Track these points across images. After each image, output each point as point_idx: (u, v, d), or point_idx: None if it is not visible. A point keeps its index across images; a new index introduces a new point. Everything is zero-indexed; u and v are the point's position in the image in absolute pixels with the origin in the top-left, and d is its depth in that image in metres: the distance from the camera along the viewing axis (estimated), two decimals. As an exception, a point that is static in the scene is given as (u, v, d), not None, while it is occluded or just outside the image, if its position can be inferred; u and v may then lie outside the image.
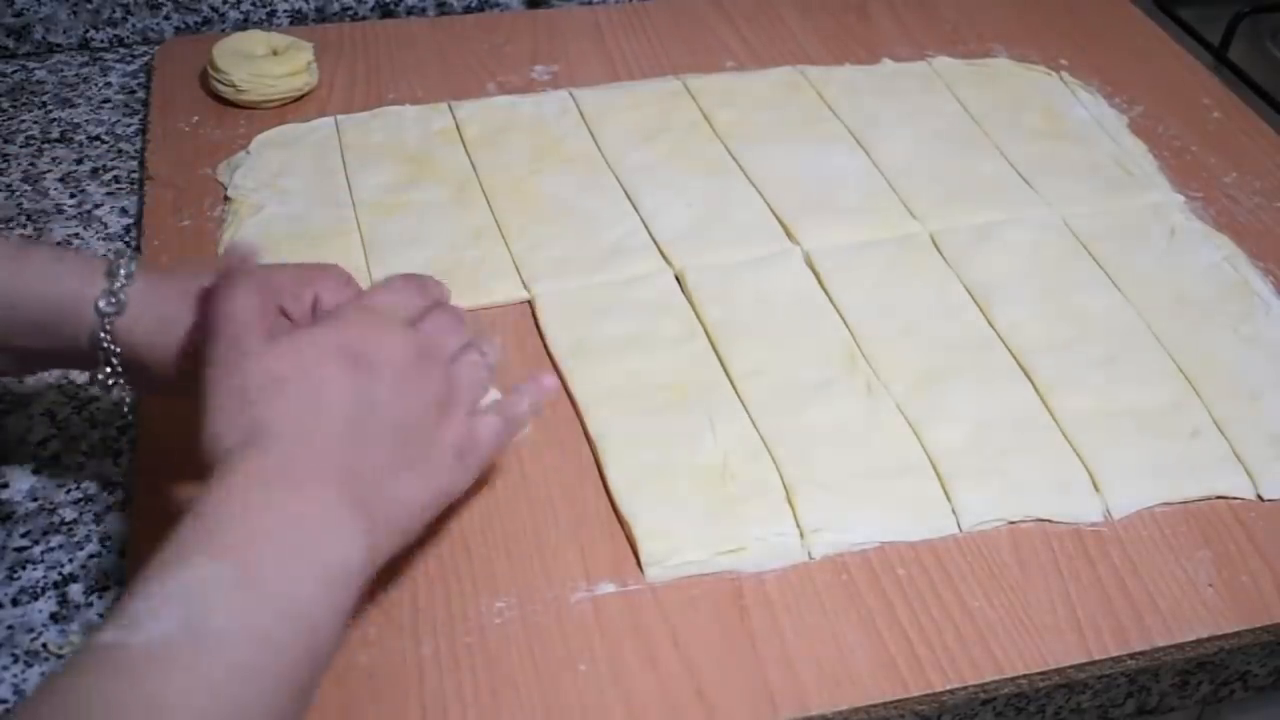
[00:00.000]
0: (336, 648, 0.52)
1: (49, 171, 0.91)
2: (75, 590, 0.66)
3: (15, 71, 1.01)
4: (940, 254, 0.86)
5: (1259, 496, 0.73)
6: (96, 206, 0.89)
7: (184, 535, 0.49)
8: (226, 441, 0.53)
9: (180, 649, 0.46)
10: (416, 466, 0.57)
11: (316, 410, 0.54)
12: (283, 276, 0.63)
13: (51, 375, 0.76)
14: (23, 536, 0.68)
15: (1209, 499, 0.72)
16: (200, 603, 0.47)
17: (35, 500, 0.70)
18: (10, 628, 0.64)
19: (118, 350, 0.62)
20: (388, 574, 0.62)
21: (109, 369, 0.62)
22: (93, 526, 0.69)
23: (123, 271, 0.62)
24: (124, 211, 0.88)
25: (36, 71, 1.01)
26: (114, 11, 1.04)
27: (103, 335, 0.62)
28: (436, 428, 0.59)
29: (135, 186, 0.91)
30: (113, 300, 0.62)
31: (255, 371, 0.54)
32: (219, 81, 0.95)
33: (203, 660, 0.46)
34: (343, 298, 0.63)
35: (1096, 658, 0.64)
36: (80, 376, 0.76)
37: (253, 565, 0.49)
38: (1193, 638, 0.66)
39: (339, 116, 0.95)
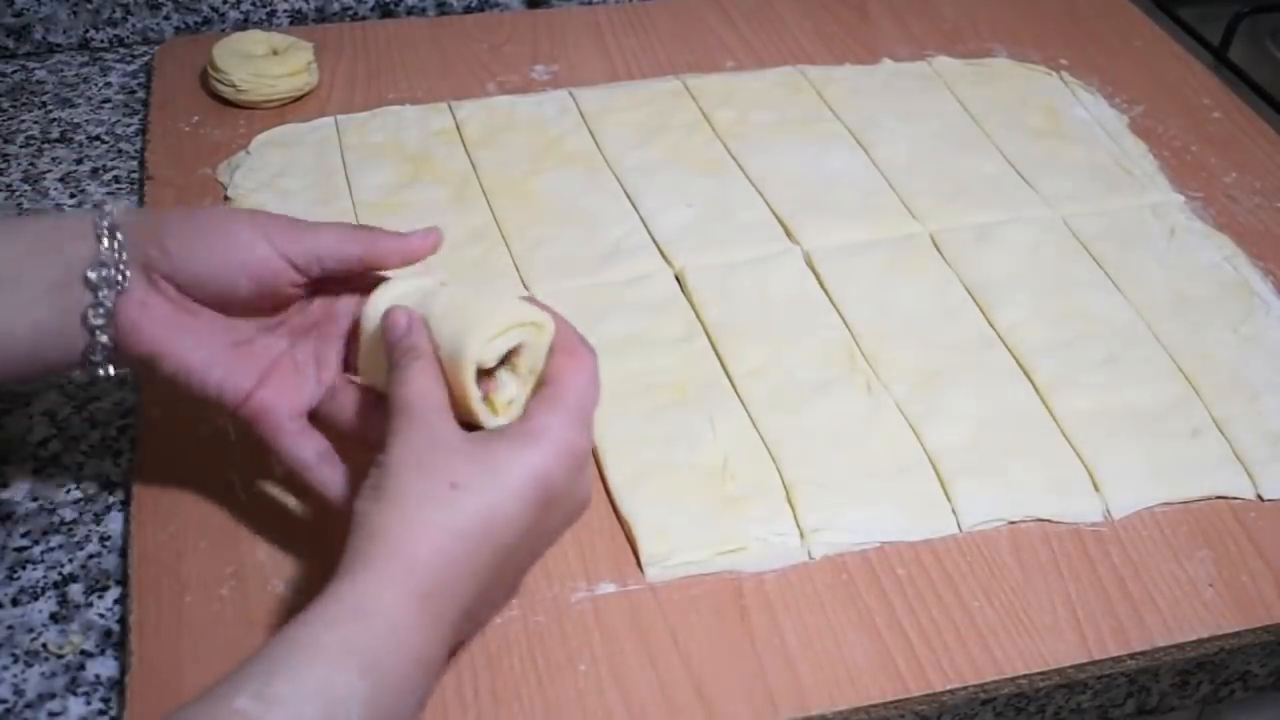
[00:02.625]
0: None
1: (49, 171, 0.91)
2: (75, 590, 0.66)
3: (15, 71, 1.01)
4: (940, 254, 0.86)
5: (1259, 496, 0.73)
6: (96, 206, 0.89)
7: (338, 625, 0.50)
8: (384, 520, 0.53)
9: None
10: (518, 585, 0.59)
11: (489, 545, 0.54)
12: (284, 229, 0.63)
13: (54, 377, 0.76)
14: (23, 536, 0.68)
15: (1209, 499, 0.72)
16: (335, 712, 0.48)
17: (35, 500, 0.70)
18: (10, 628, 0.64)
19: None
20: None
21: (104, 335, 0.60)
22: (93, 526, 0.69)
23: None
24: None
25: (36, 71, 1.01)
26: (114, 11, 1.04)
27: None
28: (549, 546, 0.59)
29: (135, 186, 0.91)
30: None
31: (439, 468, 0.54)
32: (219, 81, 0.95)
33: None
34: (347, 254, 0.62)
35: (1096, 658, 0.64)
36: (81, 376, 0.76)
37: (382, 694, 0.50)
38: (1193, 638, 0.66)
39: (339, 116, 0.95)
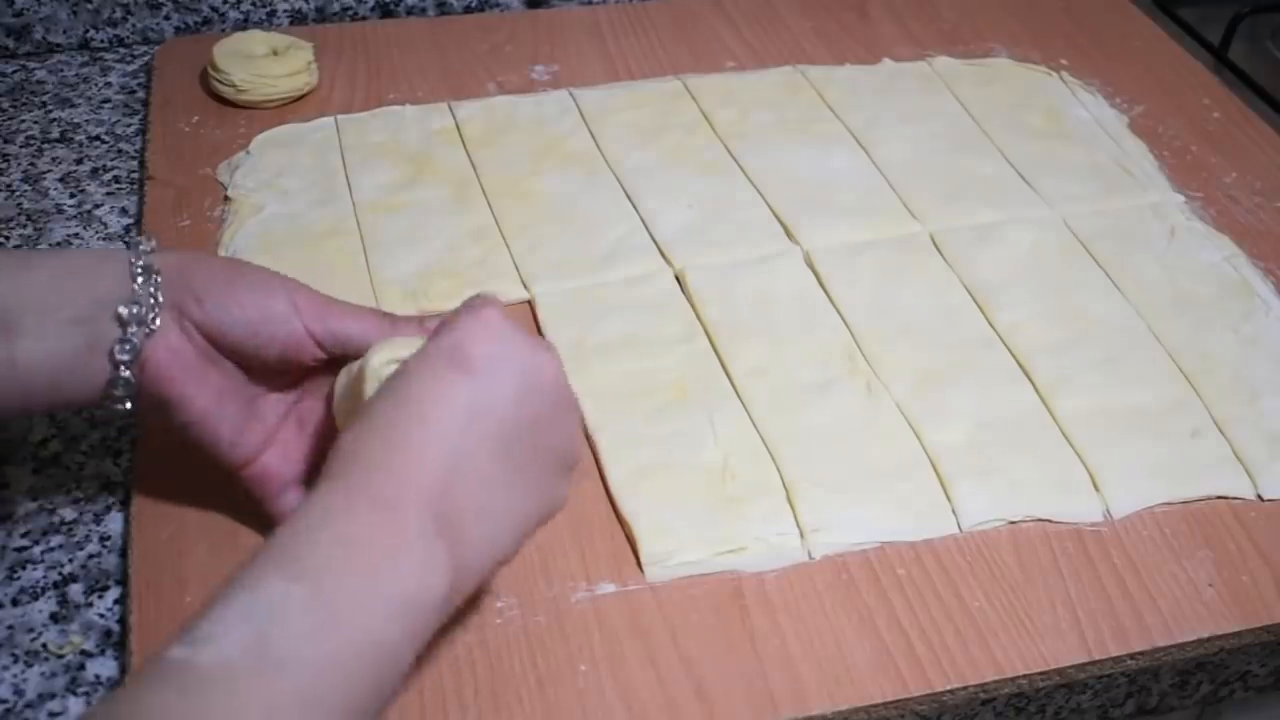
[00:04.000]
0: (404, 679, 0.50)
1: (49, 171, 0.91)
2: (75, 590, 0.66)
3: (15, 71, 1.01)
4: (940, 254, 0.86)
5: (1259, 496, 0.73)
6: (96, 206, 0.89)
7: (260, 554, 0.48)
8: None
9: (246, 671, 0.44)
10: (519, 480, 0.54)
11: (418, 420, 0.52)
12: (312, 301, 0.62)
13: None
14: (23, 536, 0.68)
15: (1209, 499, 0.72)
16: (269, 624, 0.45)
17: (35, 500, 0.70)
18: (10, 628, 0.64)
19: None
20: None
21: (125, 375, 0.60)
22: (93, 526, 0.69)
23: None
24: (124, 211, 0.88)
25: (36, 71, 1.01)
26: (114, 11, 1.04)
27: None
28: (545, 434, 0.55)
29: (135, 186, 0.91)
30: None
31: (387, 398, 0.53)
32: (219, 81, 0.95)
33: (268, 684, 0.44)
34: (370, 340, 0.61)
35: (1096, 658, 0.64)
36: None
37: (325, 590, 0.47)
38: (1193, 638, 0.66)
39: (339, 116, 0.95)
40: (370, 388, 0.57)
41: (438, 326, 0.56)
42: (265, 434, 0.63)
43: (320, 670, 0.45)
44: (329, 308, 0.62)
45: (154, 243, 0.62)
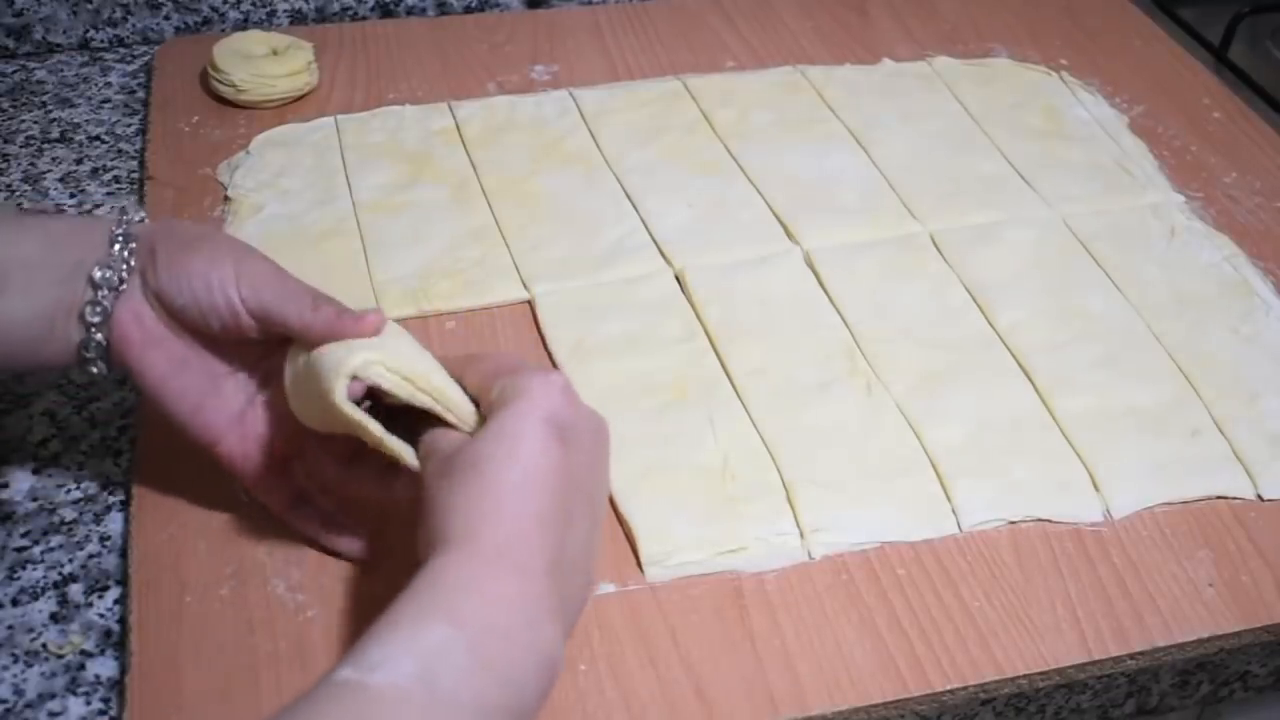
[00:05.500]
0: None
1: (49, 171, 0.91)
2: (75, 590, 0.66)
3: (15, 71, 1.01)
4: (940, 254, 0.86)
5: (1259, 496, 0.73)
6: (96, 206, 0.89)
7: (421, 596, 0.50)
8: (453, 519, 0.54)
9: (414, 698, 0.47)
10: (596, 528, 0.58)
11: (534, 490, 0.54)
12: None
13: (51, 375, 0.76)
14: (23, 536, 0.68)
15: (1209, 499, 0.72)
16: (435, 662, 0.48)
17: (35, 500, 0.70)
18: (10, 628, 0.64)
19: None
20: (388, 575, 0.62)
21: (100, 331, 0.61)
22: (93, 526, 0.69)
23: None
24: (124, 212, 0.88)
25: (36, 71, 1.01)
26: (114, 11, 1.04)
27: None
28: (605, 481, 0.60)
29: (135, 186, 0.91)
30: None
31: (475, 449, 0.55)
32: (219, 81, 0.95)
33: (433, 713, 0.47)
34: (304, 327, 0.61)
35: (1096, 658, 0.64)
36: (78, 375, 0.76)
37: (482, 640, 0.50)
38: (1193, 638, 0.66)
39: (339, 116, 0.95)
40: (340, 385, 0.57)
41: (497, 381, 0.57)
42: (229, 414, 0.63)
43: (474, 711, 0.48)
44: (269, 281, 0.61)
45: (143, 214, 0.63)
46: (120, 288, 0.61)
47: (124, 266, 0.61)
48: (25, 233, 0.62)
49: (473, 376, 0.59)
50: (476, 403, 0.59)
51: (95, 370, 0.62)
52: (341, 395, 0.57)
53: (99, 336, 0.61)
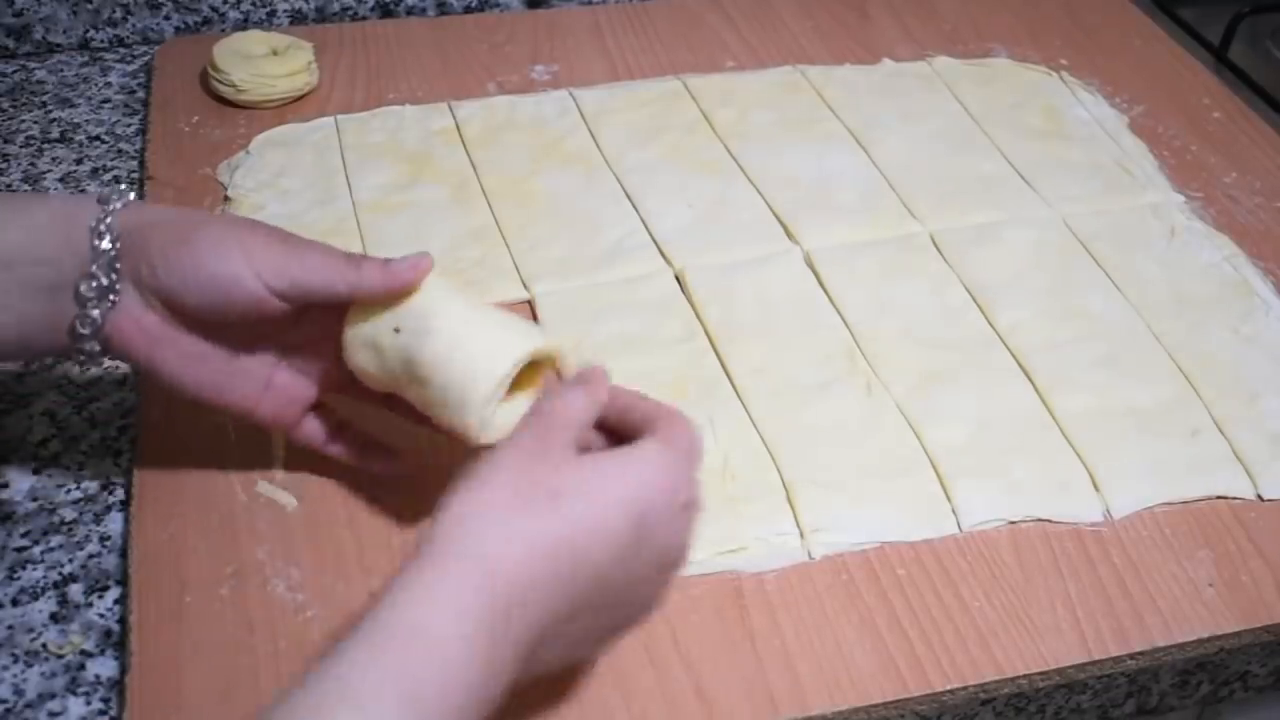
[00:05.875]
0: None
1: (49, 171, 0.91)
2: (75, 590, 0.66)
3: (15, 71, 1.01)
4: (940, 254, 0.86)
5: (1259, 496, 0.73)
6: (101, 201, 0.88)
7: (385, 638, 0.47)
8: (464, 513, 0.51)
9: None
10: (596, 640, 0.57)
11: (569, 557, 0.51)
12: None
13: (51, 375, 0.76)
14: (23, 536, 0.68)
15: (1209, 499, 0.72)
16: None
17: (35, 500, 0.70)
18: (10, 628, 0.64)
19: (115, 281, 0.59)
20: (388, 575, 0.62)
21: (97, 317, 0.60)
22: (93, 526, 0.69)
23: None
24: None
25: (36, 71, 1.01)
26: (114, 11, 1.04)
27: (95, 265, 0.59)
28: (641, 611, 0.57)
29: (135, 186, 0.91)
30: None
31: (544, 477, 0.52)
32: (219, 81, 0.95)
33: None
34: (333, 289, 0.60)
35: (1096, 658, 0.64)
36: (81, 376, 0.76)
37: (422, 696, 0.47)
38: (1193, 638, 0.66)
39: (339, 116, 0.95)
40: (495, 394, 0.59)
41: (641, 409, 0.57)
42: (257, 385, 0.63)
43: None
44: (289, 260, 0.59)
45: (130, 196, 0.61)
46: (110, 297, 0.60)
47: (111, 274, 0.59)
48: (2, 231, 0.60)
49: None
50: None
51: (94, 363, 0.62)
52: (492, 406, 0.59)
53: (91, 345, 0.60)
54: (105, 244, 0.59)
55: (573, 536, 0.51)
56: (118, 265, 0.60)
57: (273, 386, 0.64)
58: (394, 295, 0.60)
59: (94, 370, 0.74)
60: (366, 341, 0.61)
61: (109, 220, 0.60)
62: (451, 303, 0.61)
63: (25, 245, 0.60)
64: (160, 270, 0.59)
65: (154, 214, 0.61)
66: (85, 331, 0.60)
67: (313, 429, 0.66)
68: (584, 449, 0.56)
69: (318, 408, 0.66)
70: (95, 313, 0.59)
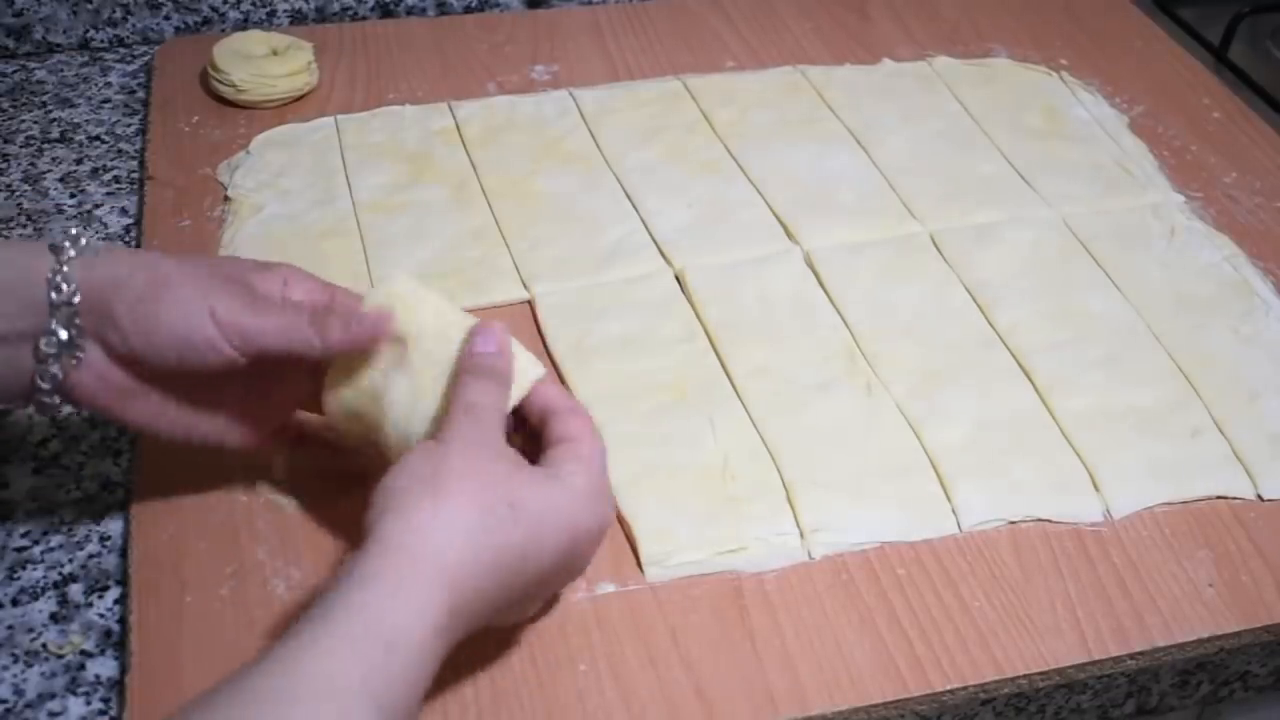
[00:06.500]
0: None
1: (49, 171, 0.91)
2: (75, 590, 0.66)
3: (15, 71, 1.01)
4: (940, 254, 0.86)
5: (1259, 496, 0.73)
6: (96, 206, 0.89)
7: (355, 646, 0.48)
8: (411, 503, 0.53)
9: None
10: (517, 610, 0.59)
11: (516, 569, 0.54)
12: (244, 266, 0.62)
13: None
14: (23, 536, 0.68)
15: (1209, 499, 0.72)
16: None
17: (35, 500, 0.70)
18: (10, 628, 0.64)
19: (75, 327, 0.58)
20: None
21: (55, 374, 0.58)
22: (93, 526, 0.69)
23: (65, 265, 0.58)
24: (124, 211, 0.88)
25: (36, 71, 1.01)
26: (114, 11, 1.04)
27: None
28: (543, 598, 0.61)
29: (135, 186, 0.91)
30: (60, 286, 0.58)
31: (501, 487, 0.54)
32: (219, 81, 0.95)
33: None
34: (311, 286, 0.62)
35: (1096, 658, 0.64)
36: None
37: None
38: (1193, 638, 0.66)
39: (339, 116, 0.95)
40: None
41: (555, 423, 0.59)
42: (227, 418, 0.63)
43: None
44: (255, 323, 0.59)
45: (82, 241, 0.59)
46: (76, 355, 0.58)
47: (71, 329, 0.58)
48: None
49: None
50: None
51: (56, 410, 0.60)
52: None
53: (53, 400, 0.59)
54: (63, 298, 0.58)
55: (524, 551, 0.54)
56: (78, 321, 0.58)
57: (243, 415, 0.64)
58: (362, 349, 0.60)
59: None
60: (345, 404, 0.62)
61: (65, 270, 0.58)
62: (422, 344, 0.61)
63: None
64: (130, 335, 0.58)
65: (112, 268, 0.59)
66: (46, 386, 0.59)
67: (281, 449, 0.66)
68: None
69: (284, 428, 0.66)
70: (55, 369, 0.58)
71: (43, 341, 0.58)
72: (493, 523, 0.53)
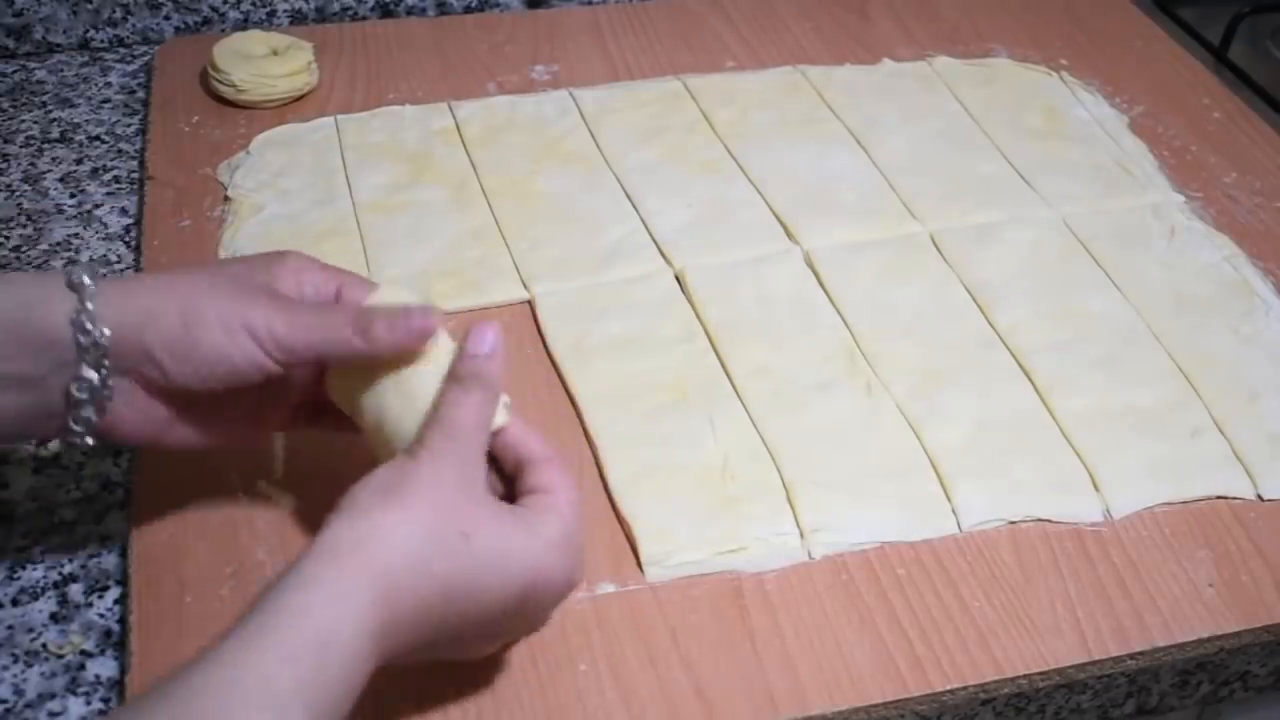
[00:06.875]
0: None
1: (49, 171, 0.91)
2: (75, 590, 0.66)
3: (15, 71, 1.01)
4: (940, 254, 0.86)
5: (1259, 496, 0.73)
6: (96, 206, 0.89)
7: (293, 649, 0.48)
8: (379, 504, 0.52)
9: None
10: (464, 646, 0.58)
11: (460, 600, 0.53)
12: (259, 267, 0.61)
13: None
14: (23, 536, 0.68)
15: (1209, 499, 0.72)
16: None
17: (35, 500, 0.70)
18: (10, 628, 0.64)
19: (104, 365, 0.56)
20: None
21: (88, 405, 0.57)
22: (93, 526, 0.69)
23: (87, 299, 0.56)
24: (124, 211, 0.88)
25: (36, 71, 1.01)
26: (114, 11, 1.04)
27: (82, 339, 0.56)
28: (498, 639, 0.59)
29: (135, 186, 0.91)
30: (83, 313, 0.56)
31: (458, 513, 0.53)
32: (219, 81, 0.95)
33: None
34: (320, 278, 0.61)
35: (1096, 658, 0.64)
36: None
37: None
38: (1193, 638, 0.66)
39: (339, 116, 0.95)
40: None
41: (531, 471, 0.57)
42: (251, 425, 0.63)
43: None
44: (292, 331, 0.57)
45: (101, 273, 0.58)
46: (105, 395, 0.57)
47: (100, 369, 0.56)
48: None
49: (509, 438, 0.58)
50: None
51: (80, 446, 0.59)
52: None
53: (86, 441, 0.58)
54: (91, 340, 0.56)
55: (473, 584, 0.53)
56: (107, 362, 0.56)
57: (264, 417, 0.63)
58: (407, 350, 0.59)
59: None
60: (351, 392, 0.61)
61: (89, 309, 0.56)
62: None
63: (4, 333, 0.56)
64: (171, 369, 0.57)
65: (139, 301, 0.57)
66: (79, 429, 0.58)
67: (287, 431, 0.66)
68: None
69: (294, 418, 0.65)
70: (88, 412, 0.57)
71: (74, 386, 0.56)
72: (440, 547, 0.52)
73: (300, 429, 0.66)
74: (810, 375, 0.77)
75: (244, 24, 1.07)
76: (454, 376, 0.56)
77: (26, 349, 0.56)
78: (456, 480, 0.54)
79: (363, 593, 0.50)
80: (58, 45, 1.04)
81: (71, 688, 0.61)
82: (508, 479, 0.58)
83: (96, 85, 1.01)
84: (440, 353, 0.59)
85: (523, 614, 0.56)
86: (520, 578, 0.54)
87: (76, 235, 0.86)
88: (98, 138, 0.95)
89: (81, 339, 0.56)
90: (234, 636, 0.48)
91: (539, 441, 0.58)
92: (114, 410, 0.58)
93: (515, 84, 1.00)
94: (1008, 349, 0.79)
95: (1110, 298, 0.84)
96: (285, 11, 1.08)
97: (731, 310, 0.80)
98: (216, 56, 0.95)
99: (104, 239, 0.86)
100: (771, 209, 0.89)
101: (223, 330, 0.57)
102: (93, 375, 0.56)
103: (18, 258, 0.84)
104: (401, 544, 0.51)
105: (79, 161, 0.93)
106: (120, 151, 0.94)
